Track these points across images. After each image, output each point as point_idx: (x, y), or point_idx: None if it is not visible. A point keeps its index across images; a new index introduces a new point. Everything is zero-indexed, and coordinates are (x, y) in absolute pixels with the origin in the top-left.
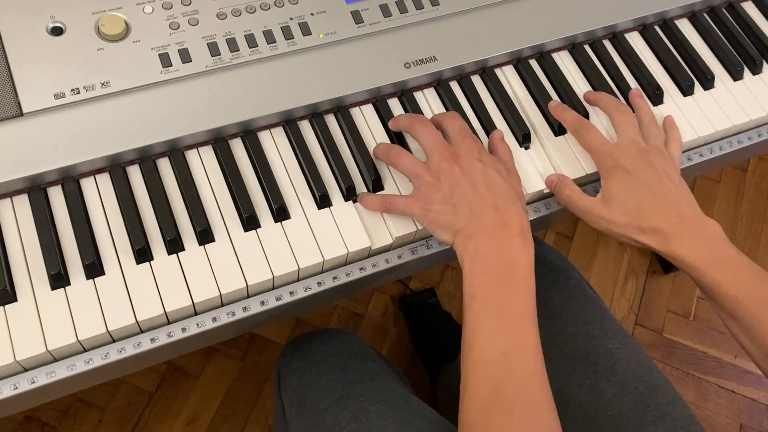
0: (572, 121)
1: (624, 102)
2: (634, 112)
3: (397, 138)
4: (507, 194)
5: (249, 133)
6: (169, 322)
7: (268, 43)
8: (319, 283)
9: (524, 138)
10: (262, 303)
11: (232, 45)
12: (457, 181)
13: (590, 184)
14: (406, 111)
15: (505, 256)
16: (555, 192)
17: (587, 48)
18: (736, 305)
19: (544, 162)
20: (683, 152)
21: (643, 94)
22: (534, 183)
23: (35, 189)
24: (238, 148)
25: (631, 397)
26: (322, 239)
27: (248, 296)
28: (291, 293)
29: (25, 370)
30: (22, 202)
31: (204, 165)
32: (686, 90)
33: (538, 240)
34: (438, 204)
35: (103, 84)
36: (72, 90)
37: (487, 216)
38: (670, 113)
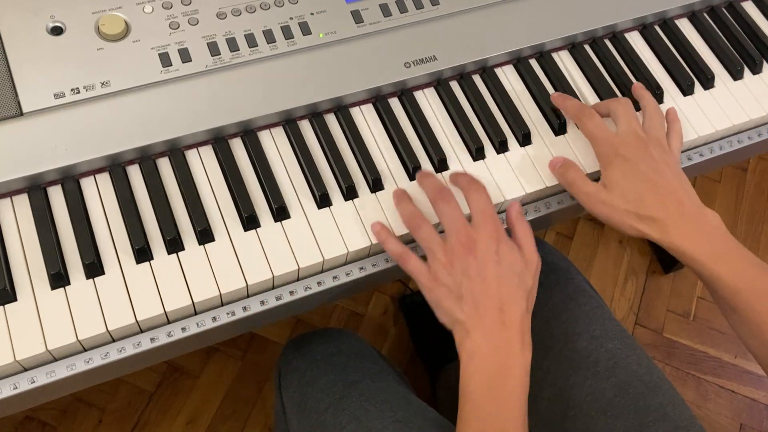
0: (574, 108)
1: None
2: (638, 103)
3: (399, 138)
4: (514, 294)
5: (249, 133)
6: (169, 322)
7: (268, 43)
8: (319, 283)
9: (524, 138)
10: (262, 303)
11: (232, 45)
12: (467, 272)
13: None
14: (406, 110)
15: (501, 358)
16: (559, 174)
17: (587, 48)
18: (737, 298)
19: (544, 161)
20: (683, 152)
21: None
22: (534, 182)
23: (35, 189)
24: (238, 147)
25: (632, 398)
26: (322, 239)
27: (248, 296)
28: (291, 293)
29: (25, 369)
30: (22, 201)
31: (204, 165)
32: (686, 90)
33: (540, 241)
34: (445, 288)
35: (103, 84)
36: (72, 90)
37: (489, 314)
38: None
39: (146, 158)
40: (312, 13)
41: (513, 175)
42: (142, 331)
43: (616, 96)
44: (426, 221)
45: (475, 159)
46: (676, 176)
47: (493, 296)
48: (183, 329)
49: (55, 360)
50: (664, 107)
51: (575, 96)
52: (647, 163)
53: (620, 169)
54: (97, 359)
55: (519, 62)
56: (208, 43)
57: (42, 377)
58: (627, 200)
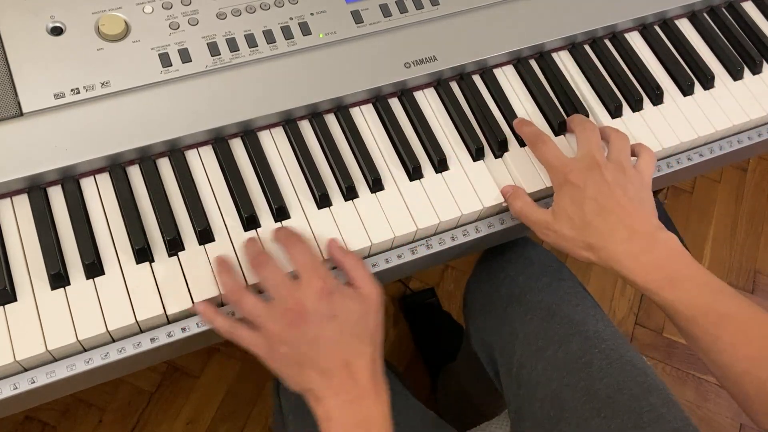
0: (530, 134)
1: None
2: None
3: (399, 138)
4: (358, 345)
5: (249, 133)
6: (169, 322)
7: (268, 43)
8: None
9: None
10: None
11: (232, 45)
12: (304, 338)
13: None
14: (406, 111)
15: (358, 415)
16: (508, 203)
17: (587, 48)
18: (692, 325)
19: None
20: (683, 152)
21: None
22: (535, 183)
23: (35, 189)
24: (238, 148)
25: (626, 399)
26: (322, 239)
27: None
28: None
29: (25, 370)
30: (22, 202)
31: (204, 165)
32: (686, 90)
33: (530, 242)
34: (284, 357)
35: (103, 84)
36: (72, 90)
37: (335, 375)
38: (671, 113)
39: (146, 158)
40: (312, 13)
41: (513, 175)
42: (142, 331)
43: (616, 96)
44: (246, 292)
45: (474, 159)
46: (632, 199)
47: (335, 356)
48: (183, 329)
49: (55, 360)
50: (664, 108)
51: (575, 96)
52: (597, 187)
53: (568, 195)
54: (97, 359)
55: (519, 62)
56: (208, 44)
57: (42, 377)
58: (573, 227)
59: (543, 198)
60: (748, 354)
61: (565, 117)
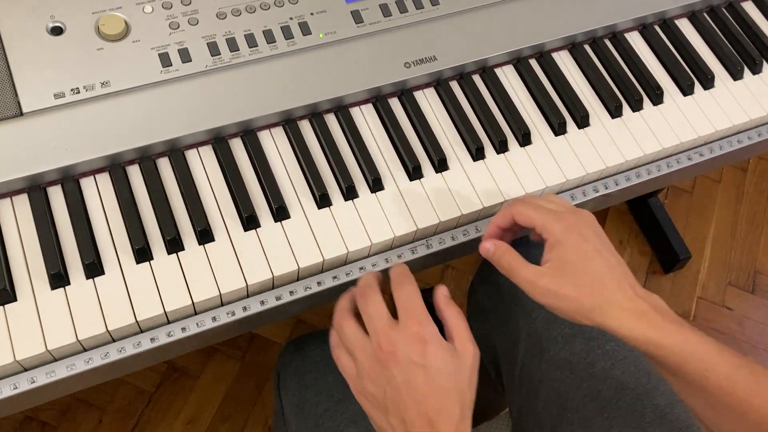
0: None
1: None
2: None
3: (399, 138)
4: (445, 402)
5: (249, 133)
6: (169, 322)
7: (268, 43)
8: (318, 283)
9: (524, 138)
10: (262, 303)
11: (232, 45)
12: (391, 382)
13: (590, 184)
14: (406, 110)
15: None
16: (494, 261)
17: (587, 48)
18: (704, 380)
19: (544, 161)
20: (683, 152)
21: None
22: (535, 182)
23: (35, 189)
24: (238, 147)
25: (629, 399)
26: (322, 239)
27: (248, 296)
28: (291, 293)
29: (25, 369)
30: (22, 201)
31: (204, 165)
32: (686, 90)
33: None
34: (371, 397)
35: (103, 84)
36: (72, 90)
37: (416, 424)
38: (671, 113)
39: (146, 158)
40: (312, 13)
41: (513, 175)
42: (142, 331)
43: (616, 96)
44: (350, 317)
45: (475, 159)
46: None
47: (419, 409)
48: (183, 329)
49: (55, 360)
50: (664, 107)
51: (575, 96)
52: (598, 238)
53: (572, 244)
54: (97, 359)
55: (519, 62)
56: (208, 43)
57: (42, 377)
58: (579, 284)
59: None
60: (760, 404)
61: (566, 117)
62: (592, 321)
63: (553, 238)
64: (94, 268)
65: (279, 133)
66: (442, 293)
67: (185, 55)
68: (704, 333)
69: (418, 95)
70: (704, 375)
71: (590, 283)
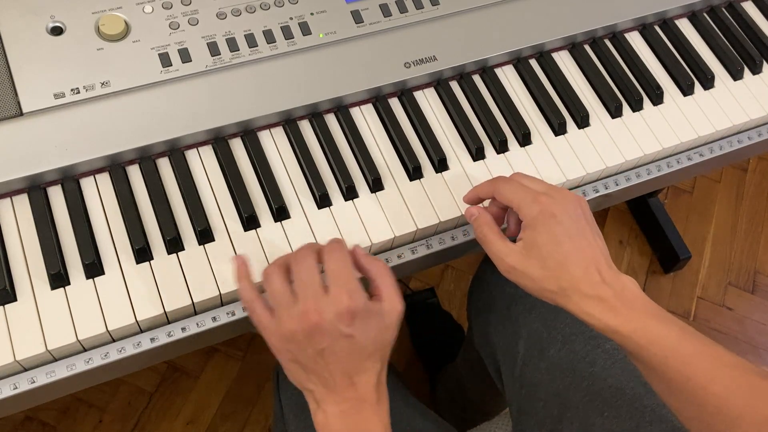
0: (483, 190)
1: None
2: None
3: (399, 138)
4: (367, 361)
5: (249, 133)
6: (169, 322)
7: (268, 43)
8: None
9: (524, 138)
10: None
11: (232, 45)
12: (315, 346)
13: (590, 184)
14: (406, 111)
15: (356, 426)
16: (474, 225)
17: (587, 48)
18: (664, 366)
19: (544, 161)
20: (683, 152)
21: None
22: None
23: (35, 189)
24: (238, 147)
25: (628, 399)
26: (322, 239)
27: None
28: None
29: (25, 369)
30: (22, 201)
31: (204, 165)
32: (686, 90)
33: None
34: (291, 354)
35: (103, 84)
36: (72, 90)
37: (339, 386)
38: (671, 113)
39: (146, 158)
40: (312, 13)
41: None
42: (142, 331)
43: (616, 96)
44: (282, 272)
45: (475, 159)
46: (597, 237)
47: (340, 370)
48: (183, 329)
49: (55, 360)
50: (664, 107)
51: (575, 96)
52: (573, 222)
53: (547, 229)
54: (97, 359)
55: (519, 62)
56: (208, 43)
57: (42, 377)
58: (545, 267)
59: None
60: (717, 392)
61: (566, 117)
62: (555, 302)
63: (527, 219)
64: (94, 268)
65: (279, 133)
66: (358, 251)
67: (185, 55)
68: (676, 319)
69: (418, 95)
70: (663, 361)
71: (556, 267)
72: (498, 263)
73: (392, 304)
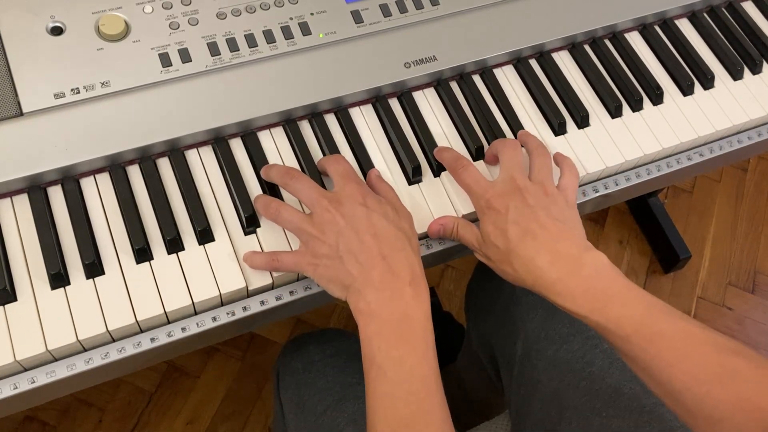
0: (450, 159)
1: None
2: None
3: (398, 139)
4: (394, 239)
5: (249, 133)
6: (169, 322)
7: (268, 43)
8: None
9: None
10: (262, 303)
11: (232, 45)
12: (341, 231)
13: (590, 184)
14: (405, 111)
15: (398, 310)
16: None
17: (587, 48)
18: (627, 344)
19: None
20: (683, 152)
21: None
22: None
23: (35, 189)
24: (238, 147)
25: (626, 398)
26: None
27: (248, 296)
28: (291, 293)
29: (25, 369)
30: (22, 201)
31: (204, 165)
32: (686, 90)
33: None
34: (325, 258)
35: (103, 84)
36: (72, 90)
37: (374, 267)
38: (671, 113)
39: (146, 158)
40: (312, 13)
41: None
42: (142, 331)
43: (616, 96)
44: (283, 204)
45: (474, 159)
46: (556, 221)
47: (371, 247)
48: (183, 329)
49: (55, 360)
50: (664, 107)
51: (575, 96)
52: (519, 211)
53: (491, 220)
54: (97, 359)
55: (519, 62)
56: (208, 43)
57: (42, 377)
58: (498, 253)
59: None
60: (685, 370)
61: (566, 117)
62: (521, 284)
63: (478, 212)
64: (94, 268)
65: (279, 133)
66: (374, 173)
67: (185, 55)
68: (647, 297)
69: (418, 95)
70: (626, 340)
71: (507, 252)
72: (472, 248)
73: (401, 207)
